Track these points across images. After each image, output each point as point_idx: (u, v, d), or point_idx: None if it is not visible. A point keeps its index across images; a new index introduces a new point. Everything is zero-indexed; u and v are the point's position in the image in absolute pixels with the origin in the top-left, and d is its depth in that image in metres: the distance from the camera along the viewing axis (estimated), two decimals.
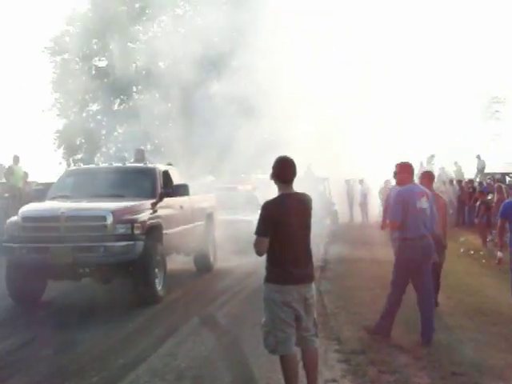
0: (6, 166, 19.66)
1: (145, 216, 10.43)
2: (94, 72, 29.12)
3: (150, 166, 12.45)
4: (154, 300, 10.23)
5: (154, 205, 10.92)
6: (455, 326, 8.59)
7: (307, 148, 24.19)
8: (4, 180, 19.81)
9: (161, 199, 11.25)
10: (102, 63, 29.40)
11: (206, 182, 24.35)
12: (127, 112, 27.68)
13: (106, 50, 28.65)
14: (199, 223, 13.24)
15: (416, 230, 7.62)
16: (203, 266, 13.69)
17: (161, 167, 12.36)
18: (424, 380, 6.35)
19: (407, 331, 8.04)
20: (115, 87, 28.19)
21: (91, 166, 13.65)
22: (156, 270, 10.34)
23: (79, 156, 29.79)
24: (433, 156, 29.95)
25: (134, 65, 28.86)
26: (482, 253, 16.24)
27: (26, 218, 10.29)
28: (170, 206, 11.61)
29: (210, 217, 14.21)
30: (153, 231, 10.52)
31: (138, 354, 7.40)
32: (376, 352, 7.26)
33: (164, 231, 10.94)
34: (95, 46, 28.80)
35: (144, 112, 25.72)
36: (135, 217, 10.17)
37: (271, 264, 5.58)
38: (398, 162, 8.26)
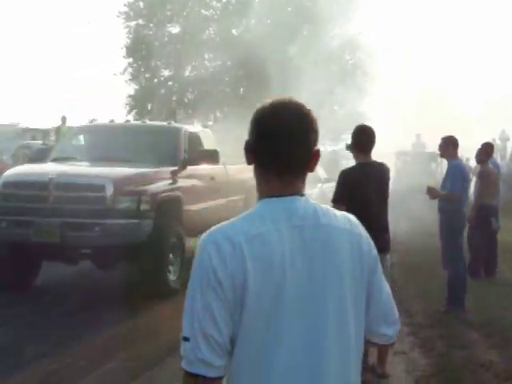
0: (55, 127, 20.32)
1: (158, 187, 8.48)
2: (166, 38, 29.30)
3: (173, 125, 10.54)
4: (165, 293, 8.16)
5: (174, 174, 8.91)
6: None
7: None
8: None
9: (183, 167, 9.20)
10: (175, 29, 29.54)
11: None
12: (198, 78, 27.89)
13: (179, 16, 28.82)
14: (236, 198, 11.06)
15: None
16: None
17: (188, 128, 10.36)
18: (495, 358, 6.22)
19: (478, 308, 7.92)
20: (187, 54, 28.33)
21: (105, 123, 11.06)
22: (171, 256, 8.52)
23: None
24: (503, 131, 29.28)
25: (206, 31, 28.96)
26: None
27: (7, 184, 8.41)
28: (195, 176, 9.57)
29: (251, 191, 11.75)
30: (168, 207, 8.64)
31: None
32: (445, 326, 7.18)
33: (185, 207, 8.98)
34: (168, 13, 28.91)
35: (215, 78, 25.91)
36: (143, 188, 8.21)
37: None
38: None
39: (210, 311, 1.73)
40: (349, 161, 27.57)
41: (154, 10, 28.28)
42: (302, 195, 1.87)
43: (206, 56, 29.32)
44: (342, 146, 33.24)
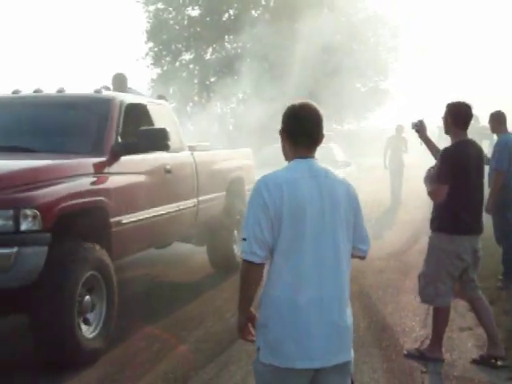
0: None
1: (59, 191, 5.35)
2: (186, 22, 29.27)
3: (102, 94, 7.01)
4: (78, 361, 5.35)
5: (96, 168, 5.94)
6: None
7: None
8: None
9: (114, 157, 6.21)
10: (195, 12, 29.50)
11: None
12: (220, 61, 27.89)
13: None
14: (211, 196, 8.38)
15: None
16: (223, 261, 8.91)
17: (126, 99, 7.01)
18: None
19: None
20: (208, 36, 28.30)
21: (11, 94, 7.27)
22: (87, 300, 5.52)
23: (172, 105, 30.18)
24: None
25: (226, 14, 28.89)
26: None
27: None
28: (135, 169, 6.58)
29: (236, 184, 9.08)
30: (82, 221, 5.68)
31: None
32: (505, 301, 7.23)
33: (114, 219, 5.98)
34: None
35: (236, 61, 25.88)
36: (27, 195, 5.10)
37: (446, 212, 5.35)
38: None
39: (259, 223, 2.80)
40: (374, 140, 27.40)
41: None
42: (316, 158, 2.99)
43: (227, 38, 29.30)
44: (364, 124, 33.30)
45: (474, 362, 5.49)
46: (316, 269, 2.85)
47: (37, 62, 60.82)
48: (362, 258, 3.11)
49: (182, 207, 7.52)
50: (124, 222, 6.18)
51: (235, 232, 9.08)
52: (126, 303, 6.55)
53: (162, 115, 7.68)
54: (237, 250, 8.83)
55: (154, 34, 28.92)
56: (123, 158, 6.34)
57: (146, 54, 29.59)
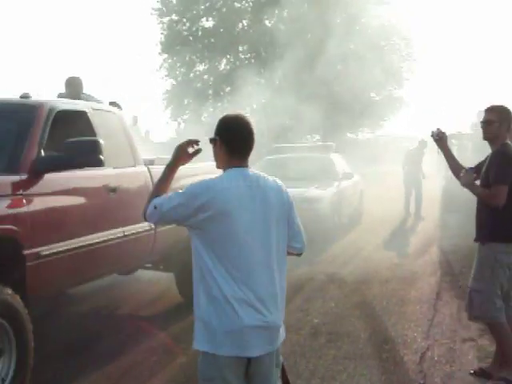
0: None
1: None
2: (200, 33, 29.42)
3: (27, 101, 5.83)
4: None
5: (11, 188, 4.81)
6: None
7: None
8: None
9: (36, 175, 5.09)
10: (209, 23, 29.65)
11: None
12: (233, 71, 27.97)
13: (212, 10, 28.90)
14: None
15: None
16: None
17: (57, 105, 5.74)
18: None
19: None
20: (221, 47, 28.41)
21: None
22: None
23: (186, 116, 30.35)
24: None
25: (239, 24, 29.01)
26: None
27: None
28: (64, 189, 5.43)
29: None
30: None
31: None
32: None
33: (31, 250, 4.85)
34: (202, 7, 29.01)
35: (250, 71, 25.94)
36: None
37: (502, 219, 5.03)
38: None
39: (176, 207, 3.03)
40: (390, 145, 27.26)
41: (187, 4, 28.41)
42: (249, 167, 3.17)
43: (240, 48, 29.41)
44: (379, 132, 33.17)
45: (475, 373, 5.41)
46: (248, 269, 3.05)
47: (53, 72, 61.18)
48: (298, 255, 3.38)
49: (132, 232, 6.23)
50: (45, 253, 4.98)
51: None
52: (70, 345, 6.11)
53: (108, 125, 6.48)
54: None
55: (168, 45, 29.12)
56: (48, 176, 5.17)
57: (161, 66, 29.79)
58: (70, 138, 5.33)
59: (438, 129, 5.59)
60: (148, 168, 6.89)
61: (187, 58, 29.30)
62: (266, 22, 28.60)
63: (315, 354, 5.94)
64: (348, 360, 5.78)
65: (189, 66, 29.71)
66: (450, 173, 5.80)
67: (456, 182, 5.56)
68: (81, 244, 5.46)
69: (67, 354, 6.01)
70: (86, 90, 8.62)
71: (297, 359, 5.79)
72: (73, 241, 5.36)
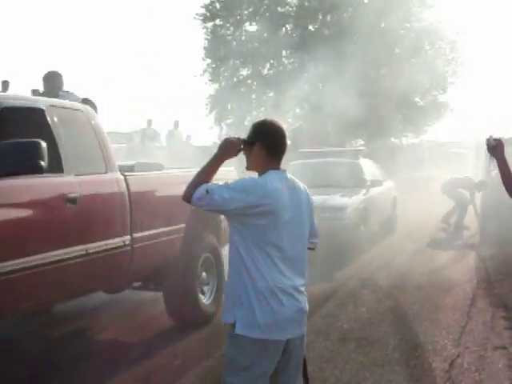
0: (167, 131, 20.56)
1: None
2: (243, 37, 29.53)
3: None
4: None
5: None
6: None
7: None
8: (165, 144, 20.76)
9: None
10: (252, 28, 29.73)
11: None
12: (277, 76, 28.01)
13: (255, 14, 29.00)
14: (168, 229, 6.38)
15: None
16: (183, 312, 6.84)
17: (4, 102, 4.86)
18: None
19: None
20: (265, 51, 28.47)
21: None
22: None
23: (230, 120, 30.48)
24: None
25: (283, 29, 29.02)
26: None
27: None
28: (2, 200, 4.47)
29: (200, 214, 5.63)
30: None
31: None
32: None
33: None
34: (246, 12, 29.12)
35: (293, 75, 25.92)
36: None
37: None
38: None
39: (226, 199, 3.25)
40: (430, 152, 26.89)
41: (230, 9, 28.56)
42: (284, 170, 3.47)
43: (284, 53, 29.40)
44: (424, 138, 32.76)
45: None
46: (289, 261, 3.40)
47: (96, 76, 62.03)
48: (313, 248, 3.72)
49: (97, 249, 5.35)
50: None
51: (203, 274, 7.12)
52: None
53: (72, 125, 5.57)
54: (204, 298, 7.07)
55: (212, 50, 29.27)
56: None
57: (204, 71, 29.97)
58: (17, 138, 4.54)
59: (490, 136, 4.94)
60: (124, 175, 5.95)
61: (231, 63, 29.41)
62: (310, 27, 28.58)
63: (342, 360, 5.92)
64: (375, 366, 5.74)
65: (232, 71, 29.82)
66: (490, 179, 5.63)
67: (499, 191, 5.19)
68: (25, 265, 4.56)
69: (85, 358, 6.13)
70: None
71: (323, 364, 5.78)
72: (14, 261, 4.48)
